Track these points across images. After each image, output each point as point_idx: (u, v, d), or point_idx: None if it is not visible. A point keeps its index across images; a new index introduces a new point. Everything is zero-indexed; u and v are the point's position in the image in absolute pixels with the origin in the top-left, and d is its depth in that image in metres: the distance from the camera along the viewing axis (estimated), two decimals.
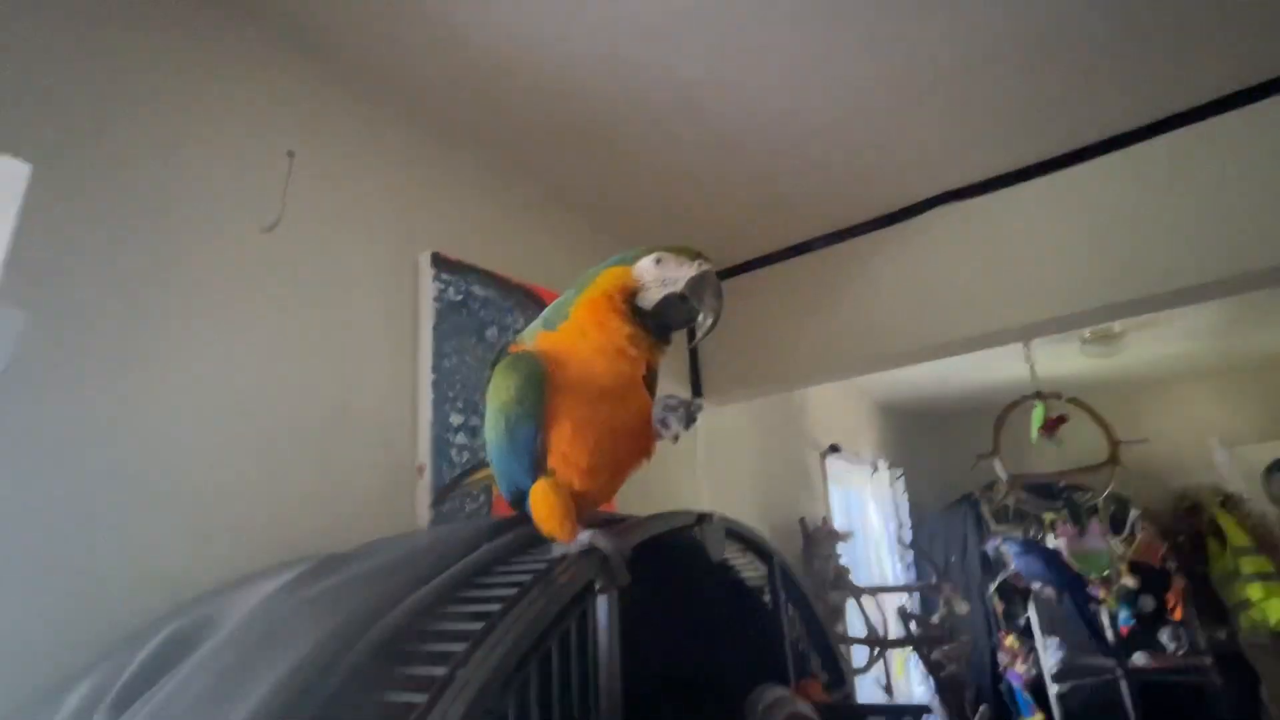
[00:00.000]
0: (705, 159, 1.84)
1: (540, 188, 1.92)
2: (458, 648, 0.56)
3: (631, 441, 0.78)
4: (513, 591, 0.62)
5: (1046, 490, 3.45)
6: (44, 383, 0.93)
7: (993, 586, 3.65)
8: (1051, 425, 2.87)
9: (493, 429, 0.77)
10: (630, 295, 0.76)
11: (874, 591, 2.98)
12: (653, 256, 0.77)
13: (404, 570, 0.70)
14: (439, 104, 1.57)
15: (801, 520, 2.89)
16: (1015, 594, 3.68)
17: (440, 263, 1.52)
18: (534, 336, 0.79)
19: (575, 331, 0.76)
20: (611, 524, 0.81)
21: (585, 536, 0.69)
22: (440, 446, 1.41)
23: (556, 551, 0.70)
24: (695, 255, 0.76)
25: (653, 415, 0.75)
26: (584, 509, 0.77)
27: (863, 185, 2.04)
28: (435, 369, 1.45)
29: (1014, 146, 1.90)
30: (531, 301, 1.72)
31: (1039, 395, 2.92)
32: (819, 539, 2.88)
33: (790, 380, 2.35)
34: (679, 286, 0.75)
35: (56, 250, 0.98)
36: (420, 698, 0.52)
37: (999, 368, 3.55)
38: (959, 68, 1.56)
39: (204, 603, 0.85)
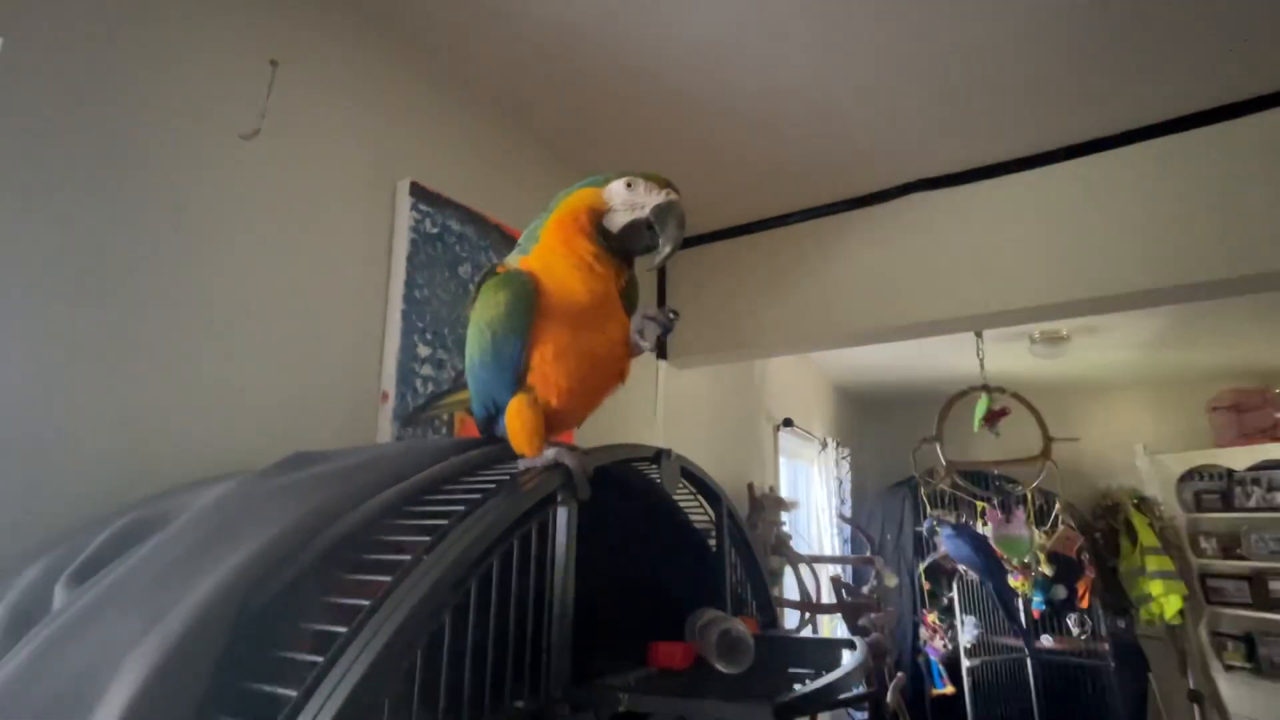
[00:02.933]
0: (694, 123, 1.85)
1: (529, 132, 1.91)
2: (423, 539, 0.59)
3: (609, 367, 0.81)
4: (478, 497, 0.65)
5: (981, 478, 3.64)
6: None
7: (922, 566, 3.86)
8: (994, 417, 3.03)
9: (476, 344, 0.79)
10: (598, 216, 0.78)
11: (811, 560, 3.12)
12: (623, 180, 0.78)
13: (374, 470, 0.72)
14: (430, 31, 1.53)
15: (750, 485, 2.99)
16: (942, 575, 3.91)
17: (419, 192, 1.50)
18: (515, 261, 0.81)
19: (546, 252, 0.79)
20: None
21: (551, 452, 0.72)
22: (405, 375, 1.42)
23: (522, 465, 0.73)
24: (665, 184, 0.78)
25: (632, 326, 0.79)
26: (555, 430, 0.80)
27: (843, 165, 2.08)
28: (406, 299, 1.45)
29: (991, 142, 1.97)
30: (508, 243, 1.72)
31: (985, 388, 3.06)
32: (765, 504, 2.99)
33: (753, 349, 2.41)
34: (645, 212, 0.77)
35: (20, 144, 0.95)
36: (386, 578, 0.55)
37: (951, 360, 3.70)
38: (948, 57, 1.60)
39: (164, 498, 0.86)
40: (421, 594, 0.51)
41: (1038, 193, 1.98)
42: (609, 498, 0.81)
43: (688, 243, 2.54)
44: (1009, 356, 3.57)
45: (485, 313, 0.77)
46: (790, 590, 2.99)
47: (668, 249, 0.77)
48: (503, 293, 0.76)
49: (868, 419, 5.05)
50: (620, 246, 0.79)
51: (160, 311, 1.08)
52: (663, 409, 2.43)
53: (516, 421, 0.74)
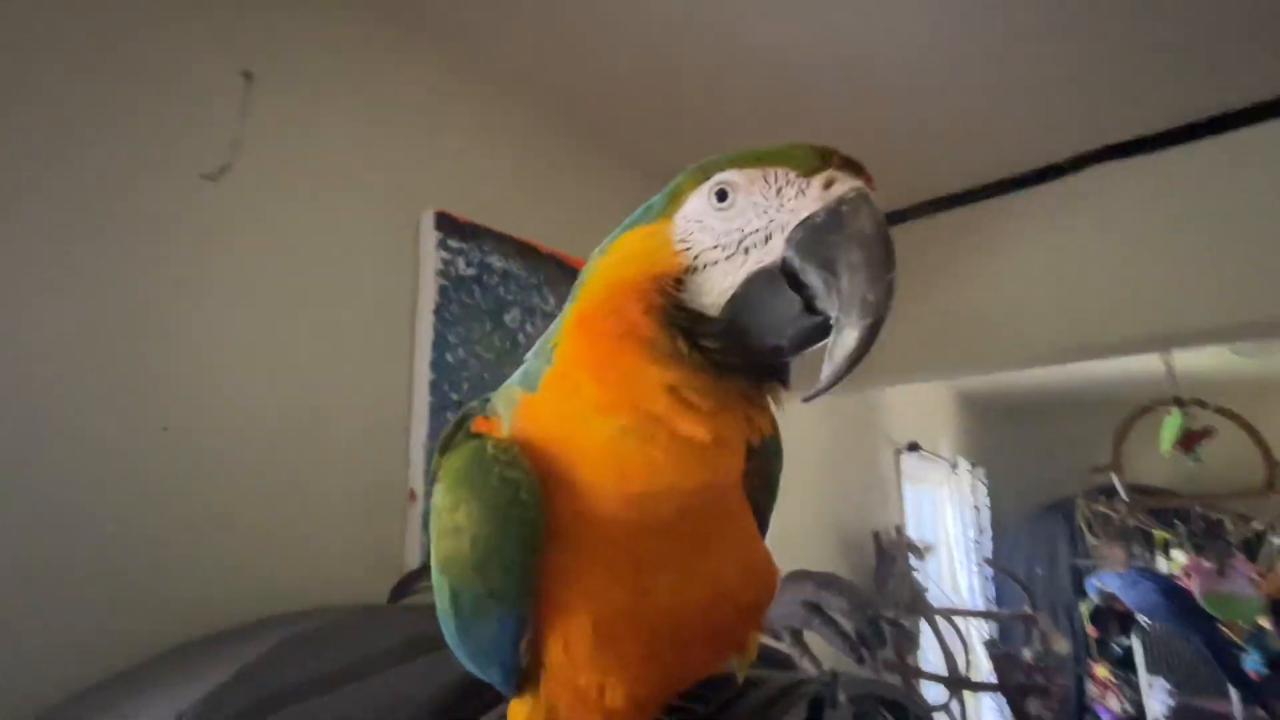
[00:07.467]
0: (788, 101, 1.41)
1: (582, 133, 1.53)
2: None
3: (714, 643, 0.39)
4: None
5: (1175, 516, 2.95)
6: None
7: (1086, 608, 3.20)
8: (1192, 440, 2.37)
9: (439, 596, 0.39)
10: (667, 292, 0.34)
11: (952, 615, 2.58)
12: (710, 187, 0.35)
13: None
14: (447, 22, 1.19)
15: (876, 534, 2.50)
16: (1113, 619, 3.23)
17: (447, 225, 1.17)
18: (511, 402, 0.39)
19: (566, 390, 0.36)
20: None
21: None
22: None
23: None
24: (815, 165, 0.33)
25: (772, 617, 0.36)
26: None
27: (987, 139, 1.57)
28: (435, 365, 1.12)
29: (1202, 89, 1.40)
30: (567, 276, 1.35)
31: (1178, 401, 2.40)
32: (893, 553, 2.49)
33: (880, 379, 1.93)
34: (776, 250, 0.33)
35: None
36: None
37: (1121, 360, 3.01)
38: None
39: None
40: None
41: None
42: None
43: None
44: (1203, 357, 2.84)
45: (441, 546, 0.37)
46: (932, 658, 2.47)
47: (864, 325, 0.31)
48: (464, 508, 0.35)
49: (1004, 431, 4.31)
50: (736, 345, 0.34)
51: (111, 417, 0.80)
52: None
53: None
